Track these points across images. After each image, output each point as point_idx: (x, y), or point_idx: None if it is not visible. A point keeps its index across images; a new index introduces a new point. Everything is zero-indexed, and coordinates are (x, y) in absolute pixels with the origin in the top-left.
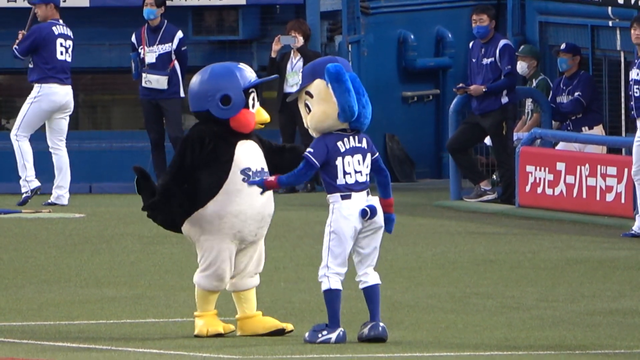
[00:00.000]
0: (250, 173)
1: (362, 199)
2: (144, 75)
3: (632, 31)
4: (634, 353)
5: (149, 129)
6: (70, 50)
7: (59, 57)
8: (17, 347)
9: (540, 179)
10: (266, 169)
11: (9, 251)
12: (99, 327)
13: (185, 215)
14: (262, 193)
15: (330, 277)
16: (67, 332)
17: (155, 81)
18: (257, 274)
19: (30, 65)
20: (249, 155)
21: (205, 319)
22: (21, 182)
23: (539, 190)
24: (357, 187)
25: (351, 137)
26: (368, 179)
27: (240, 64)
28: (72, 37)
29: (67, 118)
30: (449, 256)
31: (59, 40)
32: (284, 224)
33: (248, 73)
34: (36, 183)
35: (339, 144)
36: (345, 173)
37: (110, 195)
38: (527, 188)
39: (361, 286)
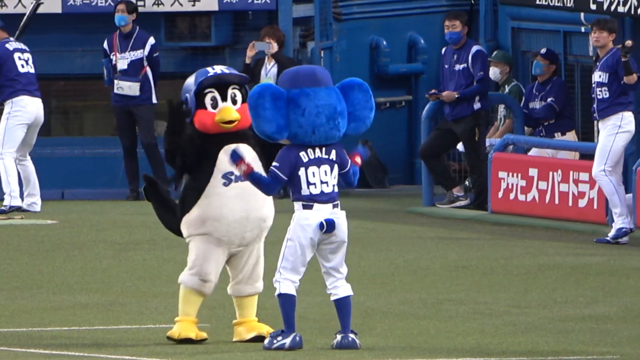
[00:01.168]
0: (233, 177)
1: (324, 211)
2: (116, 81)
3: (592, 34)
4: (605, 359)
5: (121, 135)
6: (30, 62)
7: (21, 70)
8: None
9: (512, 185)
10: (256, 170)
11: None
12: (71, 333)
13: (178, 220)
14: (239, 173)
15: (282, 282)
16: (39, 339)
17: (127, 87)
18: (257, 282)
19: None
20: None
21: (182, 323)
22: (5, 195)
23: (512, 196)
24: (322, 197)
25: (317, 148)
26: (336, 190)
27: (217, 66)
28: (28, 50)
29: (37, 132)
30: (421, 262)
31: (16, 55)
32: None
33: (210, 72)
34: (18, 202)
35: (302, 154)
36: (309, 184)
37: (83, 201)
38: (500, 194)
39: (332, 298)
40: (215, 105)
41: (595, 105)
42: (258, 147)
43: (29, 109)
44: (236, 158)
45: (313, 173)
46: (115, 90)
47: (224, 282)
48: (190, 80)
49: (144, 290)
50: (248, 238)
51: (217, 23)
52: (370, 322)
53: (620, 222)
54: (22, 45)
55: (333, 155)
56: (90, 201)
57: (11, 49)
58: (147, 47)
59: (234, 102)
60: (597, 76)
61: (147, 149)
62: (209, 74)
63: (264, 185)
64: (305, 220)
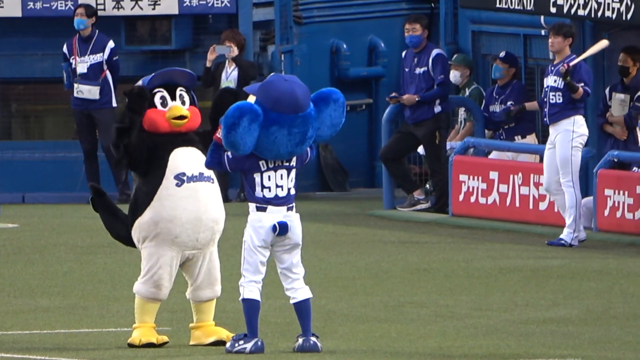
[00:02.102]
0: (185, 178)
1: (278, 214)
2: (75, 85)
3: (549, 40)
4: None
5: (81, 139)
6: None
7: None
8: None
9: (473, 188)
10: (208, 174)
11: None
12: (32, 337)
13: (128, 226)
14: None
15: (246, 286)
16: (0, 343)
17: (87, 91)
18: (215, 285)
19: None
20: (184, 160)
21: (141, 329)
22: None
23: (472, 199)
24: (276, 201)
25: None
26: (292, 193)
27: (171, 68)
28: None
29: None
30: (382, 265)
31: None
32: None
33: (157, 78)
34: None
35: (261, 163)
36: (263, 187)
37: (44, 205)
38: (461, 197)
39: (291, 301)
40: (164, 104)
41: (546, 110)
42: (206, 152)
43: None
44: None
45: (269, 177)
46: (75, 94)
47: (183, 285)
48: (140, 83)
49: (105, 293)
50: (201, 240)
51: (177, 27)
52: (331, 325)
53: (566, 233)
54: None
55: (293, 162)
56: (51, 205)
57: None
58: (107, 51)
59: (182, 102)
60: (552, 81)
61: (108, 152)
62: (152, 76)
63: (211, 157)
64: (258, 223)
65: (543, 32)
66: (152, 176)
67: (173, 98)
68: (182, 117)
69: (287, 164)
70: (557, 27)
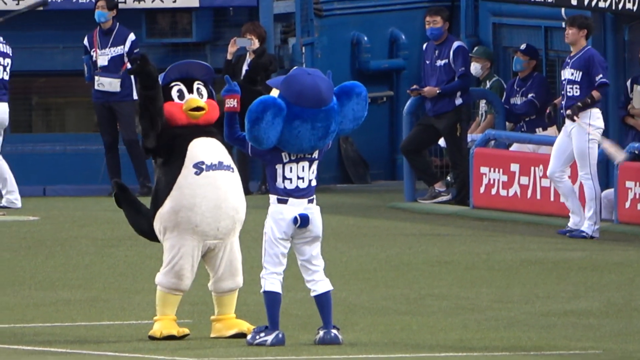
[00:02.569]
0: (204, 166)
1: (299, 206)
2: (96, 78)
3: (566, 31)
4: (588, 354)
5: (102, 131)
6: (8, 68)
7: None
8: None
9: (494, 180)
10: (228, 163)
11: None
12: (53, 329)
13: (150, 221)
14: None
15: (267, 279)
16: (21, 335)
17: (108, 84)
18: (237, 276)
19: None
20: (203, 150)
21: (162, 322)
22: None
23: (493, 191)
24: (297, 193)
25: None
26: (313, 185)
27: (189, 61)
28: (10, 54)
29: (2, 133)
30: (403, 258)
31: None
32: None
33: (174, 71)
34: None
35: (283, 154)
36: (285, 178)
37: (65, 197)
38: (482, 189)
39: (311, 294)
40: (182, 97)
41: (564, 102)
42: (226, 145)
43: None
44: (231, 91)
45: (290, 168)
46: (96, 87)
47: (204, 277)
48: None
49: (126, 286)
50: (222, 229)
51: (198, 19)
52: (352, 318)
53: (587, 225)
54: (6, 49)
55: (315, 154)
56: (72, 197)
57: None
58: (128, 44)
59: (200, 95)
60: (569, 73)
61: (129, 145)
62: (168, 70)
63: (230, 131)
64: (279, 215)
65: (564, 24)
66: (172, 166)
67: (190, 91)
68: (199, 109)
69: (309, 156)
70: (572, 19)
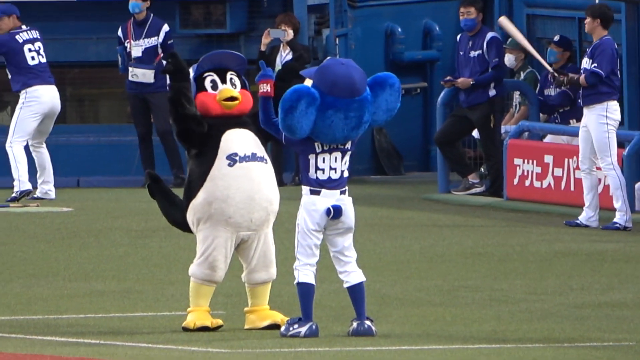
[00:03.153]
0: (237, 158)
1: (331, 197)
2: (130, 69)
3: (586, 20)
4: (622, 346)
5: (136, 122)
6: (42, 51)
7: (31, 62)
8: (6, 341)
9: (528, 171)
10: (261, 154)
11: None
12: (87, 321)
13: (184, 212)
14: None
15: (300, 270)
16: (55, 327)
17: (142, 75)
18: (271, 268)
19: (9, 77)
20: (237, 141)
21: (196, 313)
22: (15, 182)
23: (527, 182)
24: (329, 184)
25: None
26: (345, 176)
27: (222, 51)
28: (39, 37)
29: (54, 119)
30: (437, 249)
31: (27, 47)
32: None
33: (207, 62)
34: (27, 186)
35: (316, 144)
36: (317, 169)
37: (98, 189)
38: (515, 181)
39: (345, 285)
40: (215, 87)
41: (581, 91)
42: (260, 135)
43: (43, 99)
44: (265, 76)
45: (323, 159)
46: (130, 78)
47: (238, 269)
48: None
49: (160, 277)
50: (255, 220)
51: (232, 10)
52: (386, 309)
53: (618, 216)
54: (33, 34)
55: (348, 145)
56: (106, 189)
57: (21, 41)
58: (162, 35)
59: (233, 86)
60: (585, 62)
61: (162, 136)
62: (202, 61)
63: (265, 116)
64: (312, 206)
65: None
66: (205, 157)
67: (223, 82)
68: (232, 99)
69: (342, 146)
70: (588, 8)
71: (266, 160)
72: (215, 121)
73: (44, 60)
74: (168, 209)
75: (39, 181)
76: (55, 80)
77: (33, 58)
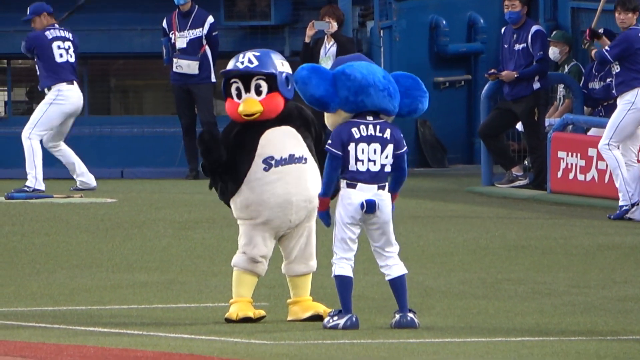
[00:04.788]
0: (273, 162)
1: (367, 191)
2: (175, 60)
3: (617, 15)
4: None
5: (180, 114)
6: (71, 51)
7: (59, 59)
8: (49, 332)
9: (572, 164)
10: (300, 154)
11: (41, 236)
12: (130, 312)
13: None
14: (328, 225)
15: (337, 263)
16: (98, 317)
17: (186, 66)
18: (310, 261)
19: (38, 73)
20: (274, 142)
21: (238, 304)
22: (29, 176)
23: (571, 176)
24: (367, 176)
25: (371, 126)
26: (386, 170)
27: (250, 52)
28: (70, 38)
29: (73, 121)
30: (480, 242)
31: (56, 44)
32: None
33: (237, 63)
34: (42, 187)
35: (354, 130)
36: (357, 160)
37: (142, 180)
38: (559, 174)
39: (386, 278)
40: (239, 95)
41: (613, 81)
42: (303, 128)
43: (72, 100)
44: (320, 217)
45: (362, 150)
46: (175, 69)
47: (281, 260)
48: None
49: (203, 268)
50: (295, 220)
51: (276, 2)
52: (429, 302)
53: (620, 199)
54: (64, 34)
55: (387, 134)
56: (150, 180)
57: (50, 37)
58: (206, 26)
59: (259, 92)
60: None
61: (206, 127)
62: (235, 66)
63: (327, 174)
64: (347, 199)
65: None
66: (242, 160)
67: (247, 89)
68: (251, 115)
69: (381, 135)
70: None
71: (305, 159)
72: (254, 122)
73: (72, 60)
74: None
75: (74, 175)
76: (99, 72)
77: (61, 55)
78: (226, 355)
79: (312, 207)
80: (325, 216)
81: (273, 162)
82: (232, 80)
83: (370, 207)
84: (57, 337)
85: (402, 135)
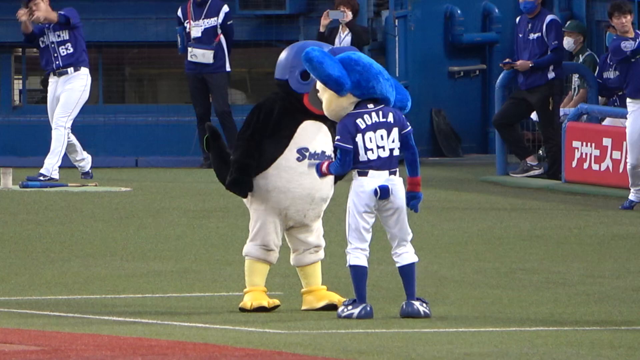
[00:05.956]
0: (307, 154)
1: (379, 178)
2: (189, 49)
3: (616, 21)
4: None
5: (195, 103)
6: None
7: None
8: (63, 320)
9: (586, 154)
10: (329, 153)
11: (55, 225)
12: (144, 301)
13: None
14: (320, 177)
15: (352, 253)
16: (112, 306)
17: (201, 55)
18: (319, 249)
19: (70, 50)
20: (311, 135)
21: (252, 293)
22: (46, 164)
23: (585, 165)
24: (378, 163)
25: (373, 113)
26: (395, 154)
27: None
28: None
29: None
30: (495, 231)
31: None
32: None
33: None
34: (57, 176)
35: (359, 121)
36: (366, 149)
37: (157, 169)
38: (574, 163)
39: (396, 265)
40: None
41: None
42: (332, 128)
43: (89, 86)
44: (314, 165)
45: (370, 138)
46: (189, 58)
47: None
48: (293, 50)
49: (217, 257)
50: (309, 217)
51: None
52: (443, 291)
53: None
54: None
55: (390, 118)
56: (164, 169)
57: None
58: (221, 15)
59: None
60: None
61: (221, 116)
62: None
63: (339, 166)
64: (360, 188)
65: None
66: (276, 142)
67: None
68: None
69: (385, 119)
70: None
71: (332, 158)
72: (295, 107)
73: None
74: (221, 167)
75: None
76: (114, 60)
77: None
78: (240, 344)
79: (325, 205)
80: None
81: (307, 154)
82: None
83: (384, 192)
84: (72, 325)
85: (403, 115)
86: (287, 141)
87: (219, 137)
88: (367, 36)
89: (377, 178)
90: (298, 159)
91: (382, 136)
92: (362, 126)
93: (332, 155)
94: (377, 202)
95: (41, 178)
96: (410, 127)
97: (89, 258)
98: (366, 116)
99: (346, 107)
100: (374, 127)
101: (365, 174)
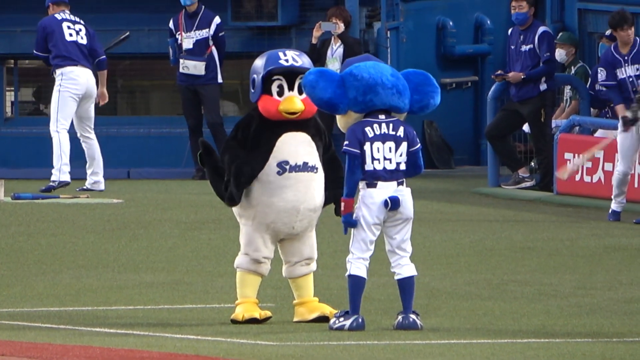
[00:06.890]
0: (287, 167)
1: (388, 189)
2: (181, 61)
3: (622, 33)
4: None
5: (186, 114)
6: (82, 33)
7: (68, 38)
8: (55, 332)
9: (578, 166)
10: (312, 163)
11: (47, 236)
12: (136, 312)
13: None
14: (346, 232)
15: (353, 262)
16: (104, 318)
17: (193, 67)
18: (311, 261)
19: (51, 59)
20: (291, 148)
21: (244, 305)
22: (53, 170)
23: (577, 177)
24: (385, 174)
25: (383, 124)
26: (402, 168)
27: (288, 51)
28: (81, 22)
29: (93, 105)
30: (486, 243)
31: (65, 24)
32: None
33: (281, 60)
34: (67, 177)
35: (367, 129)
36: (373, 159)
37: (149, 180)
38: (565, 175)
39: (395, 277)
40: (281, 93)
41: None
42: (317, 137)
43: (80, 80)
44: (343, 221)
45: (377, 149)
46: (181, 70)
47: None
48: (260, 62)
49: (209, 269)
50: (298, 228)
51: (283, 3)
52: (435, 303)
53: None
54: (74, 18)
55: (400, 132)
56: (156, 180)
57: (59, 18)
58: (213, 27)
59: (300, 91)
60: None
61: (213, 128)
62: (279, 63)
63: (348, 177)
64: (370, 199)
65: None
66: (256, 159)
67: (291, 87)
68: (294, 113)
69: (394, 133)
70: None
71: (317, 169)
72: (273, 124)
73: (83, 42)
74: (216, 181)
75: (88, 172)
76: (109, 70)
77: (71, 35)
78: (232, 356)
79: (315, 216)
80: (351, 218)
81: (287, 167)
82: (275, 77)
83: (394, 203)
84: (63, 337)
85: (414, 132)
86: (266, 155)
87: (212, 153)
88: (359, 48)
89: (386, 189)
90: (278, 173)
91: (390, 148)
92: (370, 134)
93: (316, 165)
94: (386, 213)
95: (52, 184)
96: (419, 145)
97: (81, 270)
98: (375, 125)
99: (352, 122)
100: (383, 138)
101: (374, 185)
